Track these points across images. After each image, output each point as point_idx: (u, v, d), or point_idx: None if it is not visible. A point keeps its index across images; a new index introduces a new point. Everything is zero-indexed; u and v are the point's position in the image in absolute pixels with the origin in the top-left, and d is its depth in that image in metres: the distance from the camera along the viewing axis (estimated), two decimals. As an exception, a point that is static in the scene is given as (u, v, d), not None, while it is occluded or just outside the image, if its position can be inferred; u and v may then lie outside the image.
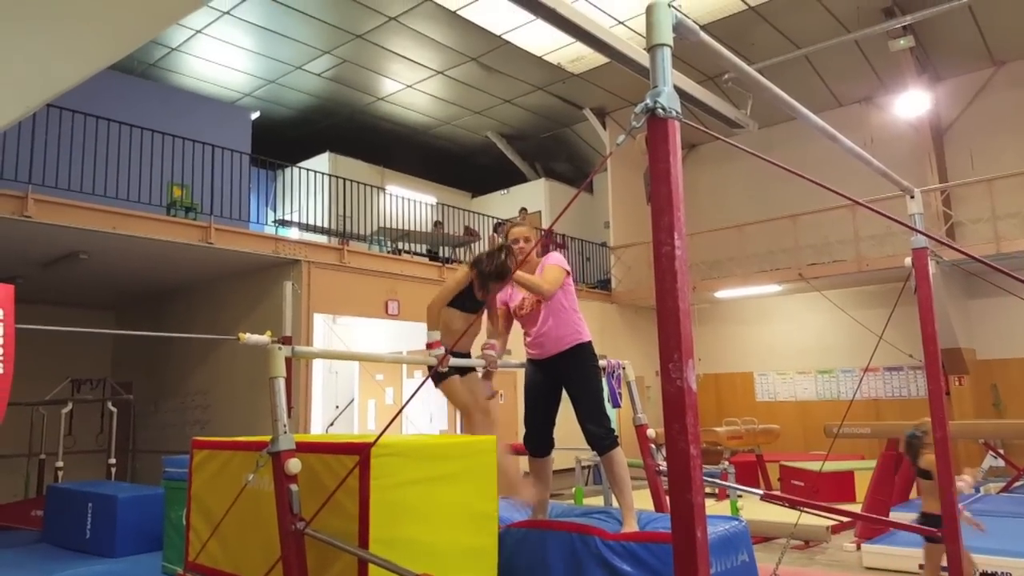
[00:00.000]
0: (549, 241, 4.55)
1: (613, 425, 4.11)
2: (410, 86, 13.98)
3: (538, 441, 4.21)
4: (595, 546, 3.62)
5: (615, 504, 4.12)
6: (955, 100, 13.43)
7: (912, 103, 12.57)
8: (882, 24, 11.60)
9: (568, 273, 4.17)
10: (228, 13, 11.13)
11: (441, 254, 12.88)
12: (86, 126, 8.86)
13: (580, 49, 11.88)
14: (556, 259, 4.19)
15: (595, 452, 4.07)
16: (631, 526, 3.77)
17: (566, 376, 4.10)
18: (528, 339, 4.22)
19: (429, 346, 4.09)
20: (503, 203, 16.12)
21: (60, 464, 8.04)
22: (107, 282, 11.18)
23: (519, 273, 4.07)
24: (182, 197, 10.05)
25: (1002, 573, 5.48)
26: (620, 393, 5.16)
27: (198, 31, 11.63)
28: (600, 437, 3.95)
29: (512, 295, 4.27)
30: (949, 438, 3.90)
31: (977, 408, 12.23)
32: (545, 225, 15.19)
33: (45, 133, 8.38)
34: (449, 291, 4.17)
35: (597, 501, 7.57)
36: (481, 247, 13.69)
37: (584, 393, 4.04)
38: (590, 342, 4.15)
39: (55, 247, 8.96)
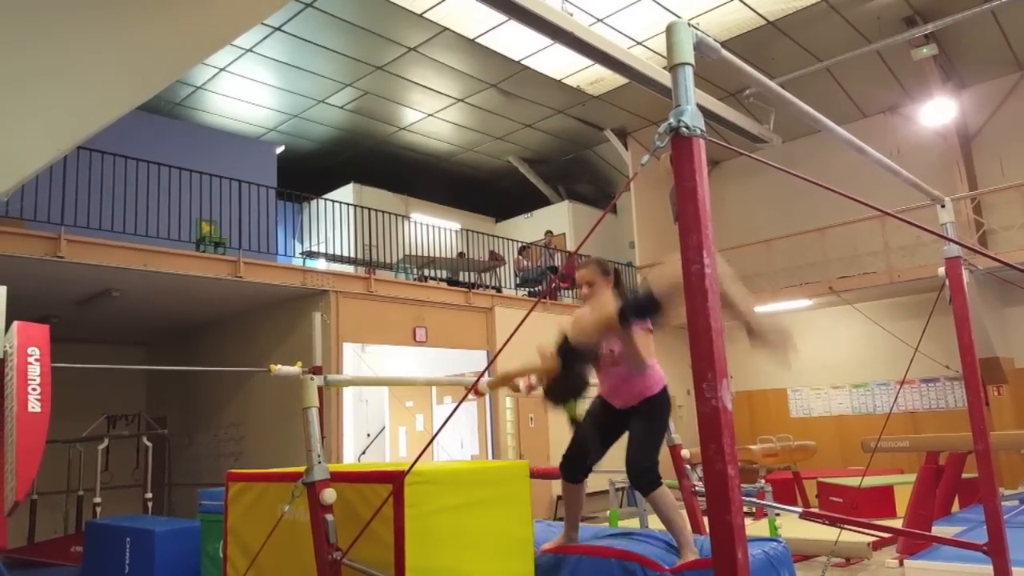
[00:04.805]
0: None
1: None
2: (431, 115, 14.10)
3: (577, 465, 3.92)
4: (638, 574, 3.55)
5: (651, 526, 4.03)
6: (982, 106, 13.27)
7: (938, 111, 12.44)
8: (904, 33, 11.52)
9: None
10: (251, 51, 11.33)
11: (466, 279, 12.88)
12: (115, 166, 8.99)
13: (599, 71, 11.92)
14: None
15: (636, 490, 3.67)
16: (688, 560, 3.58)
17: (632, 415, 3.85)
18: (603, 385, 4.01)
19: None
20: (527, 227, 16.15)
21: (98, 500, 8.08)
22: (139, 318, 11.32)
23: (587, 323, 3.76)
24: (211, 232, 10.16)
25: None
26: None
27: (222, 69, 11.84)
28: (643, 469, 3.63)
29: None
30: (991, 450, 3.82)
31: (1018, 418, 11.95)
32: (571, 247, 15.20)
33: (76, 174, 8.51)
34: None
35: (632, 524, 7.48)
36: (506, 271, 13.73)
37: (642, 423, 3.78)
38: (663, 390, 3.88)
39: (88, 286, 9.09)
